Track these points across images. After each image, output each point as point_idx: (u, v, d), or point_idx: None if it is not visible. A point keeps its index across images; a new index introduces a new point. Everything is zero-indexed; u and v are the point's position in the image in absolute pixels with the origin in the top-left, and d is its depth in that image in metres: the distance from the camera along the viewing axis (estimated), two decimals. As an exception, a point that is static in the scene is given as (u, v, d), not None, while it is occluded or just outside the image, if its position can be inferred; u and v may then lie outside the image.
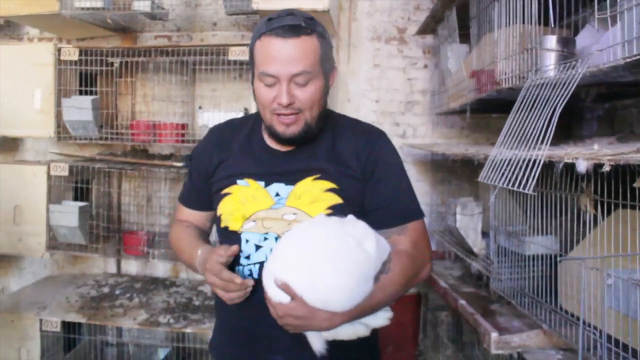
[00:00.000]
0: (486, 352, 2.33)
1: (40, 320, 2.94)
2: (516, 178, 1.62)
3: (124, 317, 2.97)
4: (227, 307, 1.49)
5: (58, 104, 3.03)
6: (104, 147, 3.44)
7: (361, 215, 1.40)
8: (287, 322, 1.23)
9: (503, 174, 1.75)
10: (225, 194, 1.48)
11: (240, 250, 1.41)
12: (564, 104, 1.52)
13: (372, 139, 1.51)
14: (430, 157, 3.47)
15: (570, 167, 1.57)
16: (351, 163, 1.45)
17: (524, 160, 1.58)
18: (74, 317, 2.96)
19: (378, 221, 1.39)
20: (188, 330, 2.87)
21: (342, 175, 1.44)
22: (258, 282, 1.35)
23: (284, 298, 1.21)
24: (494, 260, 2.21)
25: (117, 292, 3.31)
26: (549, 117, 1.61)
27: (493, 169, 1.83)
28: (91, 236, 3.15)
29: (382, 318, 1.35)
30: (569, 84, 1.54)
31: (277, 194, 1.44)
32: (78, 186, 3.17)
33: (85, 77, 3.17)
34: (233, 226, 1.45)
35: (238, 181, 1.47)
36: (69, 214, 2.94)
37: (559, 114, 1.58)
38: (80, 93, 3.13)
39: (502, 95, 2.33)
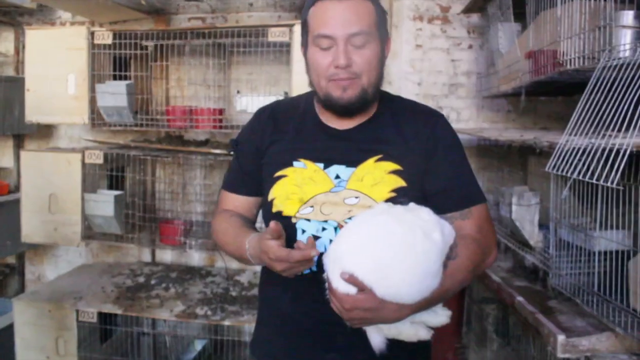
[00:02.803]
0: (544, 352, 2.20)
1: (77, 311, 2.89)
2: (594, 169, 1.48)
3: (161, 309, 2.90)
4: (277, 302, 1.43)
5: (92, 90, 2.94)
6: (138, 133, 3.36)
7: (422, 199, 1.32)
8: (355, 315, 1.16)
9: (575, 164, 1.60)
10: (280, 177, 1.40)
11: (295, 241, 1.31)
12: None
13: (432, 119, 1.43)
14: (475, 142, 3.31)
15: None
16: (412, 144, 1.37)
17: (604, 150, 1.43)
18: (110, 308, 2.90)
19: (440, 205, 1.31)
20: (226, 322, 2.79)
21: (404, 156, 1.36)
22: (315, 275, 1.28)
23: (351, 289, 1.15)
24: (553, 254, 2.07)
25: (153, 281, 3.25)
26: (634, 101, 1.45)
27: (562, 158, 1.68)
28: (127, 225, 3.08)
29: (442, 316, 1.28)
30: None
31: (337, 177, 1.36)
32: (112, 174, 3.10)
33: (118, 61, 3.07)
34: (288, 211, 1.36)
35: (294, 163, 1.39)
36: (104, 203, 2.87)
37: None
38: (114, 78, 3.04)
39: (563, 78, 2.16)
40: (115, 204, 2.89)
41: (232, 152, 1.57)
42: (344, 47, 1.28)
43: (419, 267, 1.13)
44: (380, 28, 1.35)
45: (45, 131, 3.60)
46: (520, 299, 2.07)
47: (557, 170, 1.68)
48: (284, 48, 2.89)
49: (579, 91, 2.87)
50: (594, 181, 1.42)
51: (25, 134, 3.62)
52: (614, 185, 1.33)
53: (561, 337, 1.70)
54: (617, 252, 1.86)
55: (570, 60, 1.98)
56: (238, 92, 3.35)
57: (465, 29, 3.36)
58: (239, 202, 1.53)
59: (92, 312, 2.88)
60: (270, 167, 1.43)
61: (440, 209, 1.27)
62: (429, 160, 1.37)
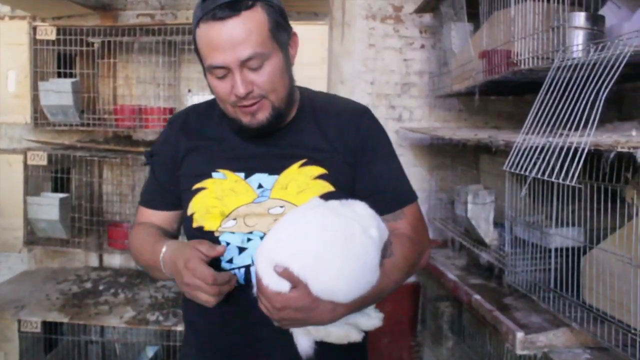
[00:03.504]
0: (500, 349, 2.22)
1: (19, 321, 2.74)
2: (553, 168, 1.50)
3: (110, 315, 2.79)
4: (204, 320, 1.33)
5: (34, 88, 2.81)
6: (84, 133, 3.23)
7: None
8: (286, 315, 1.08)
9: (533, 162, 1.62)
10: (198, 190, 1.30)
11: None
12: (610, 86, 1.39)
13: (356, 116, 1.35)
14: (427, 141, 3.34)
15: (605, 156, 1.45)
16: (337, 144, 1.29)
17: (562, 148, 1.45)
18: (55, 317, 2.76)
19: (372, 208, 1.21)
20: (179, 328, 2.70)
21: (330, 159, 1.28)
22: (244, 289, 1.21)
23: (284, 286, 1.07)
24: (509, 252, 2.10)
25: (101, 287, 3.12)
26: (590, 101, 1.48)
27: (520, 156, 1.70)
28: (72, 230, 2.95)
29: (375, 319, 1.23)
30: (616, 64, 1.41)
31: (260, 186, 1.27)
32: (57, 176, 2.96)
33: (63, 58, 2.94)
34: (209, 225, 1.27)
35: (213, 174, 1.29)
36: (48, 206, 2.74)
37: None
38: (59, 75, 2.91)
39: (517, 78, 2.20)
40: (60, 207, 2.77)
41: (146, 164, 1.45)
42: (240, 75, 1.17)
43: (357, 261, 1.08)
44: (278, 34, 1.21)
45: (-18, 131, 3.41)
46: (477, 297, 2.09)
47: (515, 168, 1.69)
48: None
49: (530, 91, 2.95)
50: (553, 179, 1.44)
51: (-40, 134, 3.42)
52: (573, 183, 1.35)
53: (520, 334, 1.73)
54: (571, 248, 1.90)
55: (524, 60, 2.01)
56: (189, 90, 3.26)
57: (418, 28, 3.38)
58: (157, 218, 1.41)
59: (35, 321, 2.74)
60: (188, 179, 1.33)
61: None
62: (357, 161, 1.30)
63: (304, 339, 1.18)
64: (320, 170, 1.26)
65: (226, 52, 1.14)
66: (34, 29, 2.83)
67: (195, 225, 1.29)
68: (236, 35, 1.14)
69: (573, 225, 1.91)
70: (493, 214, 2.24)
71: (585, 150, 1.37)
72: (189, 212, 1.30)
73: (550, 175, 1.47)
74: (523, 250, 2.04)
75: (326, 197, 1.22)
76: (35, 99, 2.82)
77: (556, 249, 1.98)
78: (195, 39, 1.20)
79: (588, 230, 1.85)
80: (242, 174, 1.28)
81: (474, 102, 3.32)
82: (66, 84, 2.75)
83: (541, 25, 1.95)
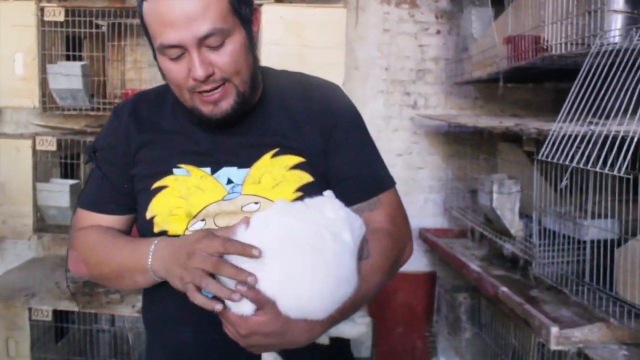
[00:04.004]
0: (526, 343, 2.18)
1: (30, 309, 2.69)
2: (589, 156, 1.43)
3: (121, 305, 2.74)
4: (170, 329, 1.16)
5: (43, 71, 2.73)
6: (92, 118, 3.15)
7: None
8: (253, 342, 0.94)
9: (572, 151, 1.56)
10: (158, 189, 1.13)
11: None
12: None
13: (324, 93, 1.20)
14: (443, 129, 3.27)
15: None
16: (307, 128, 1.15)
17: (607, 137, 1.39)
18: (66, 305, 2.71)
19: (344, 196, 1.08)
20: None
21: (304, 145, 1.14)
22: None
23: (247, 308, 0.92)
24: (536, 243, 2.04)
25: (111, 275, 3.06)
26: (631, 88, 1.41)
27: (557, 145, 1.63)
28: (83, 216, 2.88)
29: (361, 325, 1.10)
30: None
31: (230, 181, 1.12)
32: (67, 162, 2.89)
33: (72, 41, 2.86)
34: (174, 229, 1.11)
35: (174, 170, 1.13)
36: (58, 193, 2.67)
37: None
38: (67, 58, 2.83)
39: (544, 64, 2.13)
40: (70, 194, 2.70)
41: (88, 162, 1.24)
42: (198, 55, 1.00)
43: (331, 273, 0.94)
44: (240, 7, 1.05)
45: (-13, 115, 3.33)
46: (504, 289, 2.04)
47: (551, 158, 1.63)
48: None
49: (551, 78, 2.89)
50: (597, 169, 1.38)
51: (-34, 119, 3.34)
52: (622, 174, 1.29)
53: (555, 329, 1.67)
54: (602, 241, 1.85)
55: (555, 45, 1.94)
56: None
57: (434, 13, 3.30)
58: (107, 224, 1.20)
59: (46, 310, 2.69)
60: (143, 179, 1.16)
61: (343, 201, 1.06)
62: (327, 143, 1.15)
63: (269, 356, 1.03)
64: (296, 159, 1.13)
65: (180, 28, 0.98)
66: (42, 10, 2.74)
67: (157, 229, 1.12)
68: (192, 9, 0.98)
69: (605, 217, 1.86)
70: (519, 204, 2.18)
71: (635, 140, 1.30)
72: (148, 216, 1.13)
73: (594, 165, 1.41)
74: (552, 242, 1.99)
75: (305, 189, 1.11)
76: (43, 83, 2.74)
77: (587, 241, 1.93)
78: (142, 16, 1.04)
79: (623, 222, 1.80)
80: (208, 169, 1.13)
81: (491, 90, 3.28)
82: (75, 67, 2.67)
83: (575, 9, 1.88)
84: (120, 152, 1.18)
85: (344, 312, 0.98)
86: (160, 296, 1.15)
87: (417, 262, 3.26)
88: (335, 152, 1.15)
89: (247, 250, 0.91)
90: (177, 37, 0.99)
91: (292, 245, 0.94)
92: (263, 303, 0.90)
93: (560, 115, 1.67)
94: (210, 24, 0.99)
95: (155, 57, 1.08)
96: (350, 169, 1.15)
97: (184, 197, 1.11)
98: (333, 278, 0.94)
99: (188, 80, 1.03)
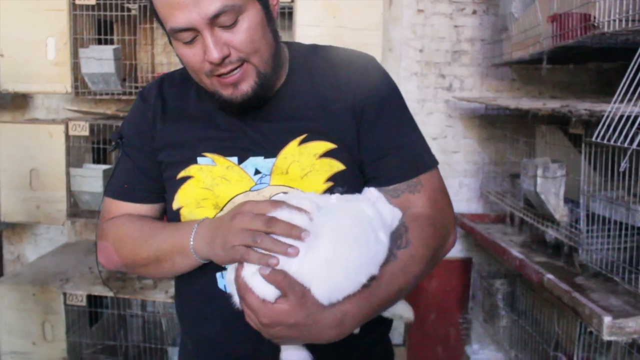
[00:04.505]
0: (570, 331, 2.12)
1: (65, 294, 2.69)
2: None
3: (155, 290, 2.73)
4: (201, 324, 1.12)
5: (74, 55, 2.70)
6: (124, 103, 3.13)
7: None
8: (276, 333, 0.88)
9: (630, 133, 1.48)
10: (183, 179, 1.08)
11: None
12: None
13: (357, 67, 1.11)
14: (479, 111, 3.18)
15: None
16: (335, 107, 1.07)
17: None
18: (100, 291, 2.71)
19: (379, 176, 1.05)
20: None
21: (335, 128, 1.06)
22: None
23: (270, 293, 0.86)
24: (584, 229, 1.97)
25: (144, 260, 3.06)
26: None
27: (612, 127, 1.56)
28: (115, 202, 2.87)
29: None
30: None
31: (257, 172, 1.06)
32: (99, 147, 2.87)
33: (102, 24, 2.83)
34: None
35: (199, 159, 1.08)
36: (92, 178, 2.66)
37: None
38: (99, 42, 2.80)
39: (593, 43, 2.04)
40: (103, 179, 2.68)
41: (115, 149, 1.18)
42: (211, 37, 0.94)
43: (367, 271, 0.90)
44: None
45: (19, 102, 3.32)
46: (550, 276, 1.97)
47: (607, 140, 1.56)
48: (285, 10, 2.68)
49: (595, 58, 2.79)
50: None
51: (-2, 105, 3.35)
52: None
53: (608, 319, 1.60)
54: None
55: (608, 22, 1.85)
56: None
57: (469, -8, 3.21)
58: (137, 213, 1.14)
59: (81, 295, 2.69)
60: (169, 167, 1.11)
61: (379, 182, 1.02)
62: (360, 123, 1.07)
63: (293, 353, 0.95)
64: (326, 146, 1.05)
65: (189, 9, 0.92)
66: (73, -7, 2.71)
67: (184, 221, 1.08)
68: None
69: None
70: (564, 189, 2.11)
71: None
72: (175, 207, 1.09)
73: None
74: (601, 228, 1.91)
75: (336, 178, 1.04)
76: (75, 67, 2.71)
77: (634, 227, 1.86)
78: (151, 0, 0.99)
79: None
80: (235, 159, 1.07)
81: (529, 72, 3.19)
82: (107, 50, 2.64)
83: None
84: (149, 136, 1.13)
85: (375, 307, 0.93)
86: (190, 290, 1.13)
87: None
88: (369, 130, 1.07)
89: (297, 211, 0.89)
90: (187, 19, 0.93)
91: (340, 235, 0.89)
92: (286, 289, 0.85)
93: (616, 96, 1.59)
94: (219, 1, 0.92)
95: (170, 43, 1.03)
96: (386, 147, 1.07)
97: (210, 188, 1.06)
98: (366, 275, 0.90)
99: (204, 64, 0.98)
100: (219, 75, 0.99)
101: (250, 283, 0.88)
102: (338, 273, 0.88)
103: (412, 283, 0.98)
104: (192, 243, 1.00)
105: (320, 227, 0.89)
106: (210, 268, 1.04)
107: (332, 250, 0.87)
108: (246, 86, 1.01)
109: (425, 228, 1.01)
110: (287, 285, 0.85)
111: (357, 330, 0.95)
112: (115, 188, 1.17)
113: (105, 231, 1.13)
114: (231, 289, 0.95)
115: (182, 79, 1.16)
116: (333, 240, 0.88)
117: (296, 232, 0.86)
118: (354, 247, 0.89)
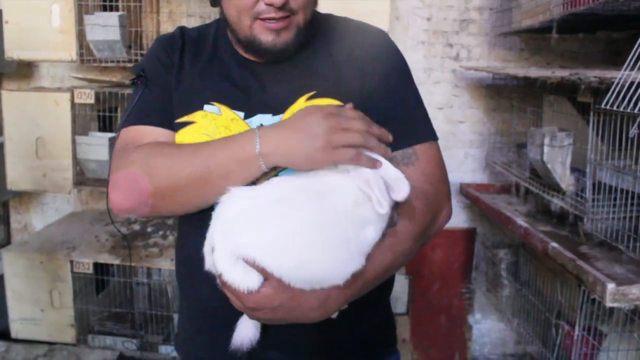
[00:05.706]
0: (572, 300, 2.13)
1: (72, 262, 2.73)
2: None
3: (160, 258, 2.76)
4: (198, 291, 1.10)
5: (79, 22, 2.68)
6: (129, 70, 3.12)
7: None
8: (262, 316, 0.89)
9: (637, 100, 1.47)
10: (185, 124, 1.07)
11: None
12: None
13: (369, 39, 1.14)
14: (486, 82, 3.16)
15: None
16: (345, 71, 1.09)
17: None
18: (107, 259, 2.74)
19: None
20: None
21: (344, 90, 1.07)
22: None
23: (253, 282, 0.85)
24: (589, 197, 1.97)
25: (149, 229, 3.09)
26: None
27: (622, 94, 1.55)
28: (121, 170, 2.88)
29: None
30: None
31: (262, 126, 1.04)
32: (105, 115, 2.87)
33: (106, -10, 2.80)
34: None
35: (205, 106, 1.07)
36: (98, 146, 2.66)
37: None
38: (103, 9, 2.77)
39: (605, 9, 2.01)
40: (109, 147, 2.69)
41: (135, 82, 1.14)
42: None
43: (341, 247, 0.88)
44: None
45: (24, 70, 3.31)
46: (554, 244, 1.97)
47: (616, 107, 1.55)
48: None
49: (605, 27, 2.75)
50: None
51: (3, 73, 3.33)
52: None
53: (611, 286, 1.61)
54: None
55: (619, -12, 1.83)
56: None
57: (478, -41, 3.16)
58: (165, 139, 1.08)
59: (87, 262, 2.72)
60: (175, 109, 1.10)
61: None
62: (367, 90, 1.09)
63: (246, 325, 0.95)
64: (332, 102, 1.05)
65: None
66: (77, -41, 2.68)
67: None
68: None
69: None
70: (571, 158, 2.10)
71: None
72: None
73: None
74: (607, 197, 1.91)
75: None
76: (80, 34, 2.70)
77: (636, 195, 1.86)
78: None
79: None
80: (242, 114, 1.06)
81: (537, 41, 3.15)
82: (113, 17, 2.62)
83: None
84: (166, 79, 1.11)
85: (361, 287, 0.92)
86: (182, 253, 1.16)
87: (456, 218, 3.20)
88: (372, 97, 1.08)
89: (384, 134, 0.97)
90: None
91: (298, 217, 0.87)
92: (269, 273, 0.85)
93: (627, 63, 1.57)
94: None
95: None
96: (385, 113, 1.07)
97: (211, 135, 1.04)
98: (343, 251, 0.87)
99: (259, 4, 0.99)
100: (265, 20, 1.00)
101: (230, 273, 0.85)
102: (315, 276, 0.87)
103: (401, 261, 0.98)
104: (258, 148, 0.93)
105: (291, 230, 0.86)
106: (202, 229, 0.97)
107: (304, 260, 0.86)
108: (287, 35, 1.03)
109: (416, 203, 0.99)
110: (267, 270, 0.85)
111: (335, 315, 0.93)
112: (139, 115, 1.09)
113: (132, 157, 1.01)
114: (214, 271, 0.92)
115: (199, 33, 1.18)
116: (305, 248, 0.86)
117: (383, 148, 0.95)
118: (329, 253, 0.87)
